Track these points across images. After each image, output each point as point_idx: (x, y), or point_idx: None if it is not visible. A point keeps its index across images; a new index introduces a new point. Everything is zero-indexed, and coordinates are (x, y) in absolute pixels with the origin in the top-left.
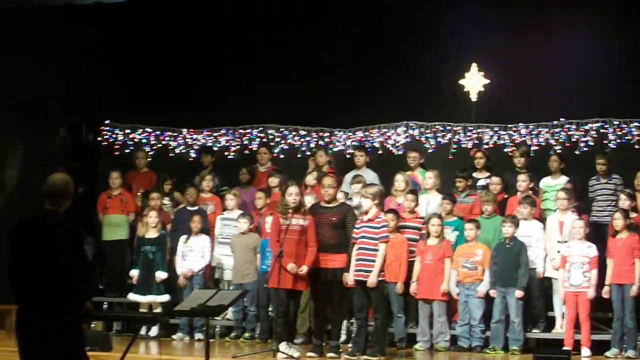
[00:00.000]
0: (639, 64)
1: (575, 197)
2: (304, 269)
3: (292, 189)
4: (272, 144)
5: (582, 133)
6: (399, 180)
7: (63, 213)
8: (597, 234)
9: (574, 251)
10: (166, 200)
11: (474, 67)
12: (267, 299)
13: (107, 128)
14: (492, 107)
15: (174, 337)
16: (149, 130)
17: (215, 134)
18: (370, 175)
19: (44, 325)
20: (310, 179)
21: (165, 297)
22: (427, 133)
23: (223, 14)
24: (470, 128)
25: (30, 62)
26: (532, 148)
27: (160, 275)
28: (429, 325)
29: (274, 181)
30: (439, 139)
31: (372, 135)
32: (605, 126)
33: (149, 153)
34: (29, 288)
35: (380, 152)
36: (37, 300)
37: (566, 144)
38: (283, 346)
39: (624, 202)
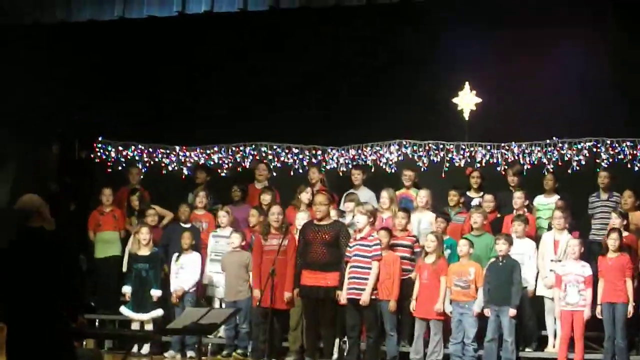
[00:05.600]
0: (632, 83)
1: (568, 215)
2: (287, 296)
3: (275, 209)
4: (265, 161)
5: (575, 152)
6: (384, 197)
7: (51, 229)
8: (595, 252)
9: (568, 270)
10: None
11: (466, 85)
12: (259, 317)
13: (100, 145)
14: (485, 125)
15: (165, 355)
16: (141, 147)
17: (208, 151)
18: (367, 194)
19: (35, 343)
20: (305, 196)
21: (159, 312)
22: (420, 151)
23: (216, 31)
24: (463, 147)
25: (24, 78)
26: (525, 167)
27: (155, 293)
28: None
29: (265, 199)
30: (432, 158)
31: (365, 153)
32: (598, 145)
33: (142, 170)
34: (19, 305)
35: (372, 170)
36: (27, 318)
37: (559, 163)
38: None
39: (615, 220)
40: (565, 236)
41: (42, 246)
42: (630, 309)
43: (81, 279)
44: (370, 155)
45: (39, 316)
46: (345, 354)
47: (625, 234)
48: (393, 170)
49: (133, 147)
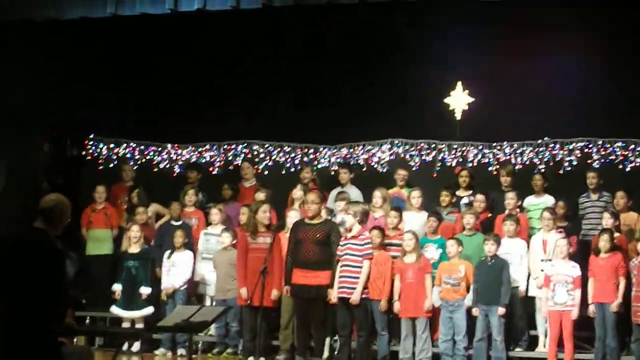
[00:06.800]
0: (624, 84)
1: (564, 217)
2: (275, 294)
3: (266, 207)
4: (256, 160)
5: (567, 152)
6: (377, 197)
7: (55, 233)
8: (588, 252)
9: (557, 270)
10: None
11: (459, 85)
12: (248, 315)
13: (92, 142)
14: (476, 125)
15: (156, 352)
16: (133, 144)
17: (199, 149)
18: (354, 192)
19: (19, 346)
20: (298, 194)
21: (149, 310)
22: (412, 151)
23: (208, 30)
24: (454, 146)
25: (15, 76)
26: (516, 167)
27: (145, 290)
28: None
29: (260, 197)
30: (423, 157)
31: (356, 152)
32: (590, 145)
33: (134, 168)
34: (4, 307)
35: (364, 169)
36: (11, 320)
37: (550, 163)
38: None
39: (607, 220)
40: (554, 236)
41: (38, 249)
42: (615, 306)
43: (68, 281)
44: (362, 154)
45: (24, 319)
46: (336, 352)
47: (616, 234)
48: (385, 170)
49: (125, 145)
